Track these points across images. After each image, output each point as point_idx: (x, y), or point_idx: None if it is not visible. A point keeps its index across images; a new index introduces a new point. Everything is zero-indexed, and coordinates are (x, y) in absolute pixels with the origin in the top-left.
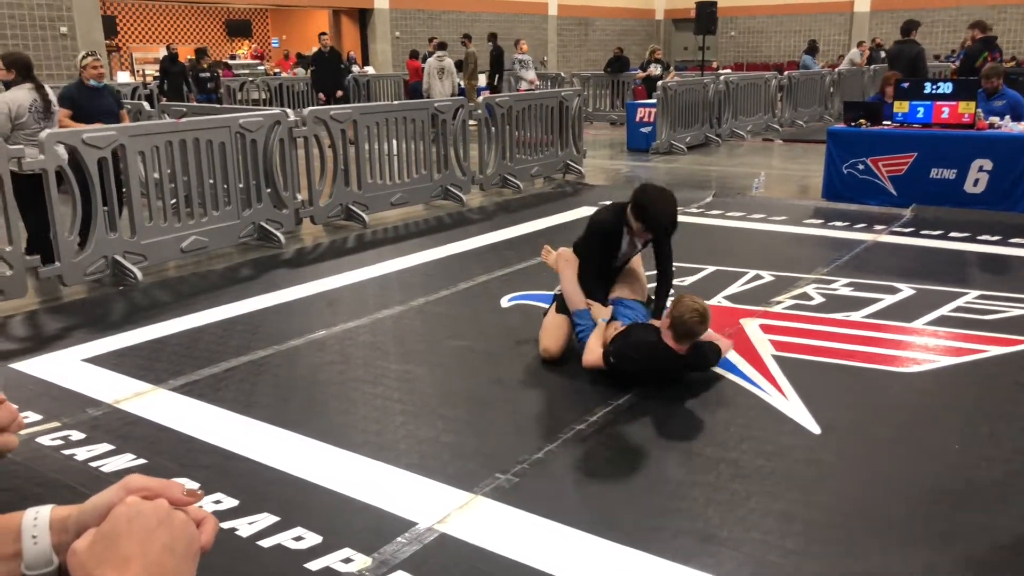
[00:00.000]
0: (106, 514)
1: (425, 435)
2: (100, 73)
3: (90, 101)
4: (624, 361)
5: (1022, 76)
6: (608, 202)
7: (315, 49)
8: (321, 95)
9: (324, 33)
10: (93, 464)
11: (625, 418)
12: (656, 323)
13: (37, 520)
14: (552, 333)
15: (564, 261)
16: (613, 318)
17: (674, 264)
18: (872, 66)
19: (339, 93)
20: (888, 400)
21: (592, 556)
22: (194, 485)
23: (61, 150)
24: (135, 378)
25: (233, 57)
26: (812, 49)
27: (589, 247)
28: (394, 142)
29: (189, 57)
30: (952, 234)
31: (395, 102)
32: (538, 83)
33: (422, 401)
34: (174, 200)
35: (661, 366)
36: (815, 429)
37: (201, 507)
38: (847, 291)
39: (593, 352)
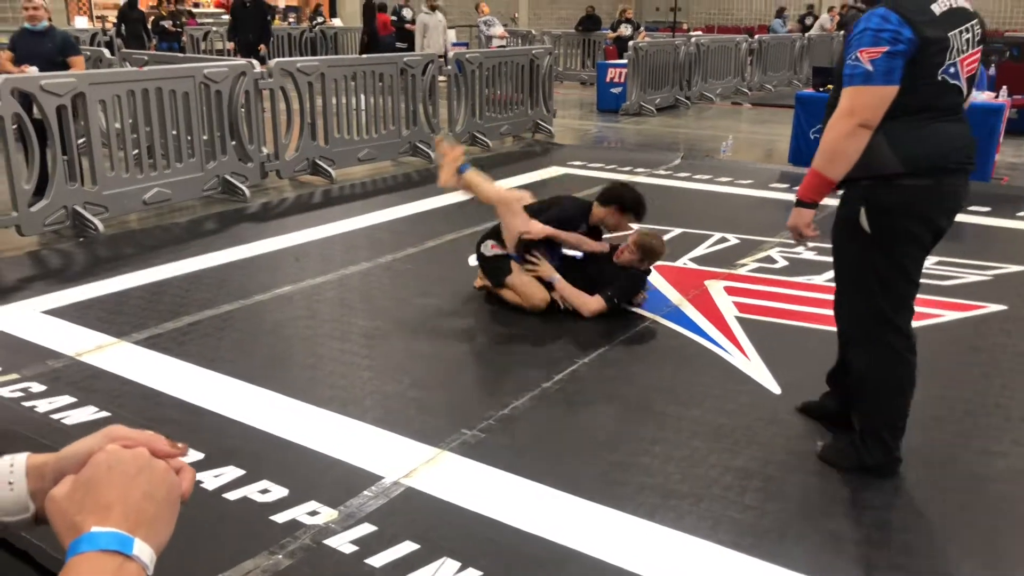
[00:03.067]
0: (85, 462)
1: (392, 391)
2: (32, 15)
3: (25, 46)
4: (625, 297)
5: (986, 46)
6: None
7: None
8: (231, 45)
9: None
10: (55, 416)
11: (590, 376)
12: (602, 250)
13: (13, 467)
14: (535, 286)
15: (507, 207)
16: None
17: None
18: (842, 32)
19: (261, 48)
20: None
21: (555, 511)
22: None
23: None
24: (97, 331)
25: (196, 5)
26: (780, 14)
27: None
28: (362, 96)
29: (150, 4)
30: None
31: (363, 55)
32: (508, 36)
33: (388, 357)
34: (136, 151)
35: (641, 287)
36: (775, 389)
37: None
38: (810, 255)
39: (593, 302)
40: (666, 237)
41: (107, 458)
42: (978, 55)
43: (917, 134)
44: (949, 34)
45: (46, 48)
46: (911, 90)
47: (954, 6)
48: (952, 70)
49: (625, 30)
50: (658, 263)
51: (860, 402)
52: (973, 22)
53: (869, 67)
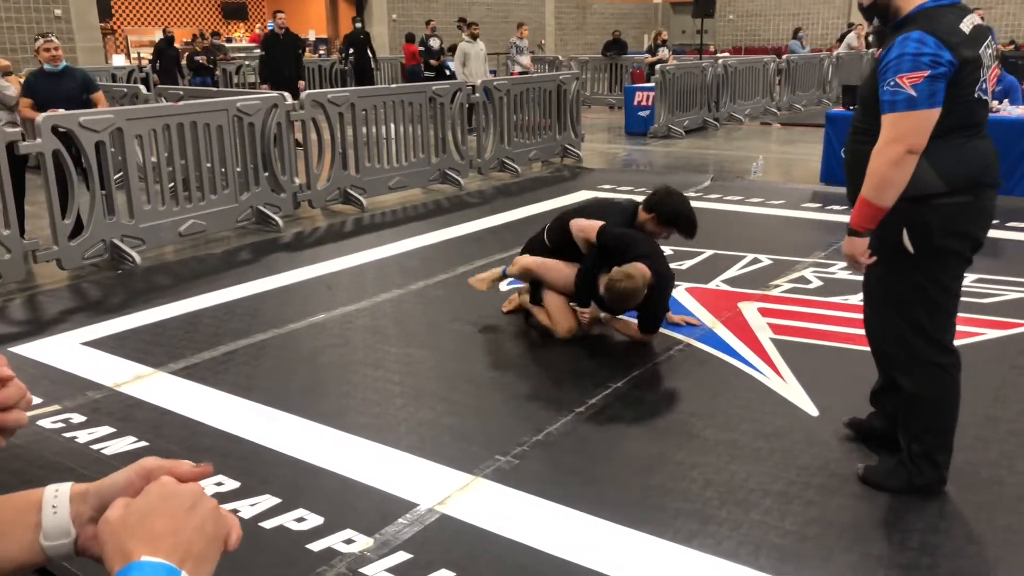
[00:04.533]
0: (122, 491)
1: (425, 417)
2: (53, 56)
3: (47, 87)
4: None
5: (1021, 60)
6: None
7: (270, 27)
8: (266, 86)
9: (280, 11)
10: (94, 447)
11: (624, 401)
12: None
13: (58, 493)
14: (566, 313)
15: (543, 266)
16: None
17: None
18: (871, 49)
19: (301, 85)
20: None
21: (592, 537)
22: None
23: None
24: (135, 361)
25: (229, 40)
26: (796, 34)
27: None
28: (392, 126)
29: (184, 40)
30: None
31: (392, 85)
32: (533, 68)
33: (422, 384)
34: (172, 184)
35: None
36: (813, 411)
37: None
38: (845, 274)
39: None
40: (698, 259)
41: (161, 489)
42: (995, 71)
43: (958, 153)
44: (979, 52)
45: (68, 88)
46: (951, 110)
47: (976, 23)
48: (984, 86)
49: (663, 53)
50: (690, 286)
51: (911, 422)
52: (991, 37)
53: (912, 92)
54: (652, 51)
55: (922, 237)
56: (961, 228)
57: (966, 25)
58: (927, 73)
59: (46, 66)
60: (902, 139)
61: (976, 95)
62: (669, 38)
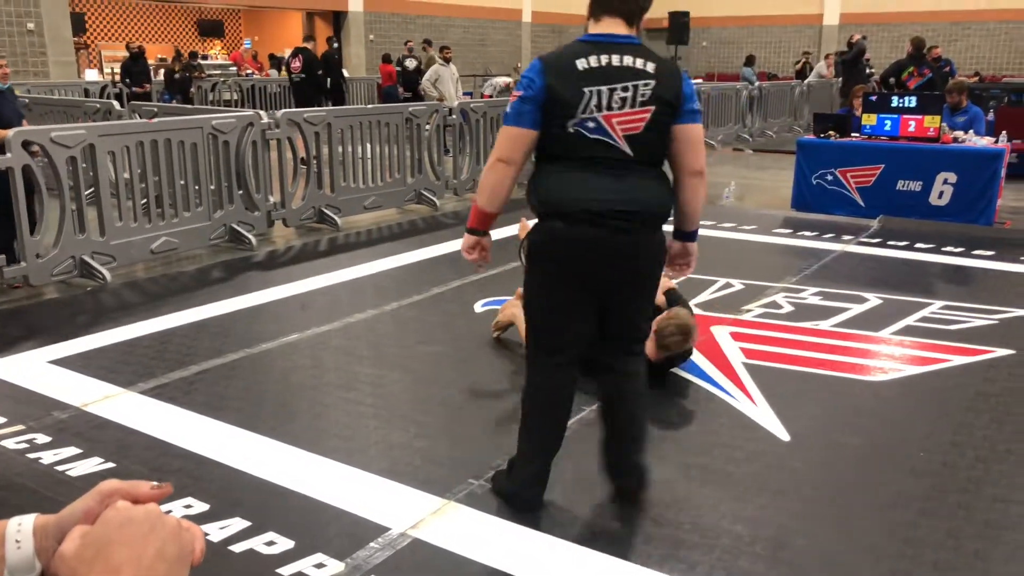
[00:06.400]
0: (81, 519)
1: (398, 440)
2: (5, 74)
3: (3, 106)
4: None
5: (984, 91)
6: None
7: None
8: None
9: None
10: (59, 468)
11: (597, 425)
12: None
13: (21, 527)
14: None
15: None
16: None
17: None
18: (839, 78)
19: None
20: (855, 408)
21: (563, 561)
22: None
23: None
24: (103, 380)
25: (205, 57)
26: (750, 62)
27: None
28: (368, 146)
29: (159, 56)
30: (918, 245)
31: (369, 106)
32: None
33: (395, 406)
34: (144, 200)
35: None
36: (784, 436)
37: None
38: (816, 300)
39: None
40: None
41: (117, 516)
42: (643, 114)
43: (548, 180)
44: (587, 88)
45: (16, 107)
46: (547, 137)
47: (615, 64)
48: (590, 125)
49: None
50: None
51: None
52: (642, 82)
53: (509, 108)
54: None
55: (528, 249)
56: (548, 251)
57: (597, 61)
58: (520, 94)
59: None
60: (497, 147)
61: (572, 130)
62: None
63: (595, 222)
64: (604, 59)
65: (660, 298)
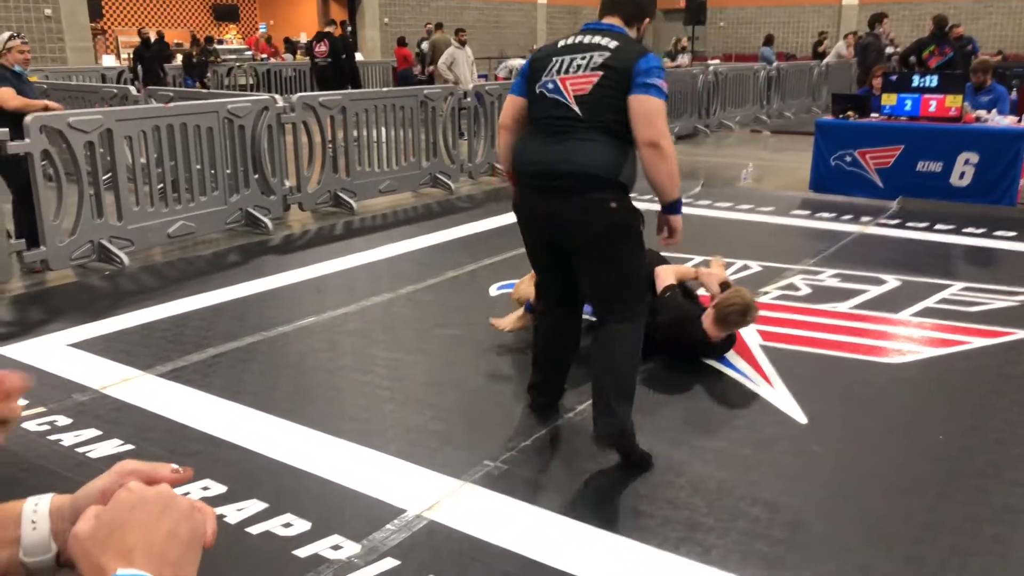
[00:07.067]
0: (98, 498)
1: (414, 423)
2: (28, 58)
3: (20, 90)
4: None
5: (1008, 70)
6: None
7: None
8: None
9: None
10: (80, 450)
11: None
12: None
13: (37, 507)
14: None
15: None
16: None
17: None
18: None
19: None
20: (873, 391)
21: (580, 543)
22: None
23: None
24: (122, 363)
25: (220, 42)
26: (769, 41)
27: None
28: (383, 129)
29: (176, 41)
30: (938, 226)
31: (384, 89)
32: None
33: (411, 389)
34: (161, 185)
35: (688, 342)
36: (801, 419)
37: (202, 502)
38: (834, 282)
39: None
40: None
41: (130, 497)
42: (592, 77)
43: (517, 146)
44: (555, 58)
45: (32, 92)
46: (529, 103)
47: (585, 42)
48: (550, 85)
49: (683, 60)
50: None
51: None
52: (598, 53)
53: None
54: (672, 57)
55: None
56: (515, 211)
57: (575, 39)
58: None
59: (16, 67)
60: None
61: (538, 91)
62: (661, 47)
63: (533, 185)
64: (580, 38)
65: (715, 289)
